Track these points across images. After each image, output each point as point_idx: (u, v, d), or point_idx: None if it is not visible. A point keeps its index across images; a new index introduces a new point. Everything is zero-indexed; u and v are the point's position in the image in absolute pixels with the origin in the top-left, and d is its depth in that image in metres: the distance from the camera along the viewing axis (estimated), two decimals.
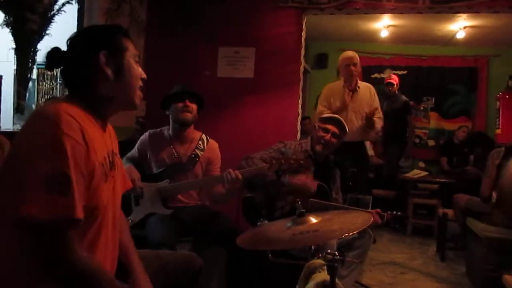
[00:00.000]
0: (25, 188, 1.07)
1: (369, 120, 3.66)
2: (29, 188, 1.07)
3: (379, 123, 3.80)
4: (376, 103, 3.88)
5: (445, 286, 3.38)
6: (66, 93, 1.34)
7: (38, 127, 1.15)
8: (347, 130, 2.76)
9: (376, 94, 3.93)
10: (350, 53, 3.86)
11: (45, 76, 4.84)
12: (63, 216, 1.09)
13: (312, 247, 1.28)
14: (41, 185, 1.07)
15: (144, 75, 1.38)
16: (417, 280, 3.51)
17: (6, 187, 1.13)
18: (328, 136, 2.64)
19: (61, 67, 1.32)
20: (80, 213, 1.12)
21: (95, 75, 1.28)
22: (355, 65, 3.78)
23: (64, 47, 1.34)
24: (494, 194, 3.38)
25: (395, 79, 5.47)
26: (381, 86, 6.04)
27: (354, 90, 3.82)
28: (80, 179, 1.14)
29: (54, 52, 1.32)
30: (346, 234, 1.15)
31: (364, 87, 3.91)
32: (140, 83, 1.36)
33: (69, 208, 1.09)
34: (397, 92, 5.45)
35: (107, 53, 1.28)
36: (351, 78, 3.78)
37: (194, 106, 2.55)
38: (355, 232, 1.17)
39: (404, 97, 5.48)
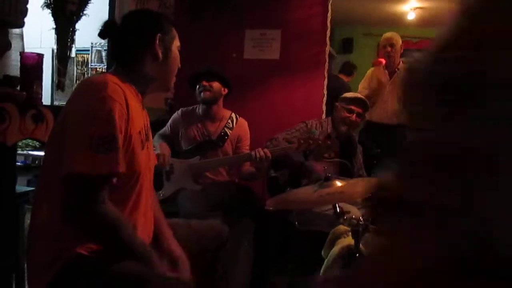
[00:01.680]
0: (76, 147, 1.18)
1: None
2: (79, 147, 1.18)
3: None
4: None
5: None
6: (113, 68, 1.45)
7: (86, 92, 1.27)
8: (369, 107, 2.82)
9: None
10: (388, 33, 3.82)
11: (76, 62, 5.03)
12: (108, 170, 1.19)
13: (337, 210, 1.35)
14: (90, 144, 1.18)
15: (179, 65, 1.50)
16: None
17: (58, 149, 1.24)
18: (353, 117, 2.69)
19: (113, 40, 1.44)
20: (123, 167, 1.22)
21: (145, 53, 1.40)
22: (392, 45, 3.73)
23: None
24: None
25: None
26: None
27: (393, 71, 3.80)
28: (122, 139, 1.25)
29: (110, 23, 1.44)
30: (370, 194, 1.21)
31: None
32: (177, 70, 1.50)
33: (113, 162, 1.20)
34: None
35: (161, 37, 1.40)
36: (388, 59, 3.77)
37: (214, 84, 2.62)
38: None
39: None
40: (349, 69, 5.24)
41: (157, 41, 1.40)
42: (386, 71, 3.82)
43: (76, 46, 4.66)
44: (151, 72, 1.42)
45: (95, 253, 1.27)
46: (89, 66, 4.86)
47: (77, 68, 4.90)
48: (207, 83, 2.61)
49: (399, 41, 3.76)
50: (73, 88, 1.42)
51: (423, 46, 6.48)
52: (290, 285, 2.76)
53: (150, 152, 1.50)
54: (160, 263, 1.34)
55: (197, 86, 2.64)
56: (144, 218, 1.45)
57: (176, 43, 1.49)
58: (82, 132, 1.20)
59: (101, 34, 1.43)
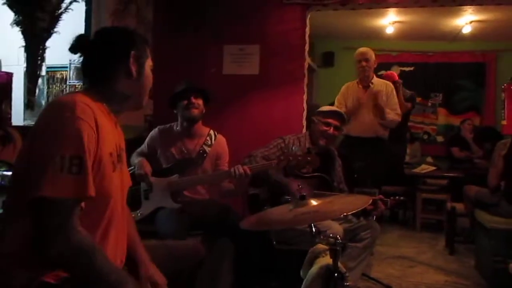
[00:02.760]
0: (42, 170, 1.13)
1: (377, 106, 3.66)
2: (46, 171, 1.12)
3: (391, 114, 3.78)
4: (393, 100, 3.84)
5: (453, 279, 3.38)
6: (84, 86, 1.42)
7: (54, 113, 1.22)
8: (346, 120, 2.83)
9: (394, 91, 3.90)
10: (363, 49, 3.87)
11: (55, 78, 4.96)
12: (77, 194, 1.14)
13: (313, 230, 1.32)
14: (57, 167, 1.13)
15: (151, 84, 1.49)
16: (425, 273, 3.52)
17: (24, 172, 1.18)
18: (331, 130, 2.68)
19: (85, 57, 1.39)
20: (92, 191, 1.17)
21: (118, 70, 1.37)
22: (366, 60, 3.78)
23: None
24: (502, 185, 3.39)
25: (394, 77, 5.38)
26: None
27: (367, 86, 3.83)
28: (91, 162, 1.20)
29: (82, 38, 1.40)
30: (346, 213, 1.18)
31: (380, 83, 3.90)
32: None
33: (82, 186, 1.15)
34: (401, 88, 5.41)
35: (135, 54, 1.38)
36: (363, 73, 3.80)
37: (200, 102, 2.60)
38: (355, 211, 1.20)
39: (408, 92, 5.45)
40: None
41: (131, 59, 1.37)
42: (361, 86, 3.85)
43: (54, 63, 4.61)
44: (124, 90, 1.39)
45: (63, 282, 1.20)
46: (68, 83, 4.80)
47: (55, 86, 4.84)
48: (195, 100, 2.57)
49: (373, 56, 3.81)
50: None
51: (401, 59, 6.65)
52: None
53: (123, 174, 1.45)
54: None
55: (183, 103, 2.58)
56: (116, 243, 1.39)
57: (149, 62, 1.46)
58: (50, 153, 1.15)
59: (72, 49, 1.39)
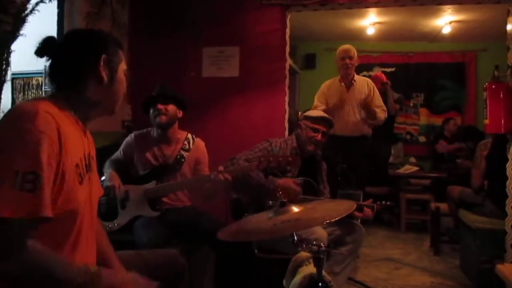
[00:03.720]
0: None
1: (368, 110, 3.63)
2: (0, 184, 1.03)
3: (381, 113, 3.76)
4: (376, 98, 3.81)
5: (439, 280, 3.36)
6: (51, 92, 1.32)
7: (13, 122, 1.12)
8: (333, 126, 2.77)
9: (375, 88, 3.86)
10: (346, 46, 3.82)
11: (30, 85, 4.82)
12: (30, 213, 1.05)
13: (295, 239, 1.25)
14: (10, 182, 1.04)
15: (125, 89, 1.41)
16: (412, 275, 3.49)
17: None
18: (319, 136, 2.63)
19: (52, 60, 1.30)
20: (47, 211, 1.08)
21: (88, 75, 1.29)
22: (350, 58, 3.73)
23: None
24: (485, 185, 3.38)
25: (382, 78, 5.38)
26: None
27: (350, 84, 3.79)
28: (51, 178, 1.11)
29: (49, 41, 1.31)
30: (328, 221, 1.12)
31: (362, 81, 3.86)
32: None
33: (36, 205, 1.06)
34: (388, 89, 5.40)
35: (106, 58, 1.30)
36: (346, 71, 3.76)
37: (170, 107, 2.50)
38: (337, 218, 1.13)
39: (396, 95, 5.45)
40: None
41: (102, 63, 1.29)
42: (343, 84, 3.80)
43: (29, 69, 4.47)
44: (94, 96, 1.30)
45: None
46: (43, 89, 4.66)
47: (30, 92, 4.70)
48: (162, 106, 2.49)
49: (355, 53, 3.78)
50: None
51: (383, 60, 6.65)
52: None
53: (93, 184, 1.36)
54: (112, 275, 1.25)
55: (152, 110, 2.51)
56: (86, 257, 1.31)
57: (123, 66, 1.37)
58: (3, 167, 1.05)
59: (39, 52, 1.30)
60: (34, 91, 4.62)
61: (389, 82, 5.08)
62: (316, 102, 3.80)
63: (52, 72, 1.32)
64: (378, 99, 3.83)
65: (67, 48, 1.30)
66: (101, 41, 1.33)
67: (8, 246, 1.05)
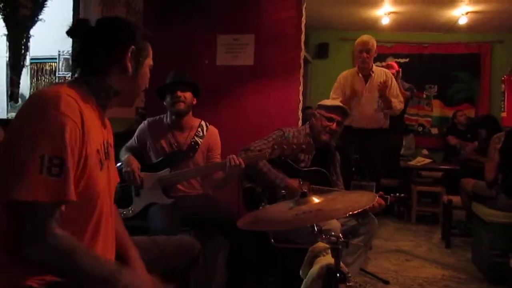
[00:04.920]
0: (21, 169, 1.05)
1: (385, 98, 3.58)
2: (24, 170, 1.04)
3: (397, 103, 3.71)
4: (394, 88, 3.75)
5: (450, 272, 3.35)
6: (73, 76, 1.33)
7: (37, 107, 1.13)
8: (348, 115, 2.75)
9: (393, 79, 3.81)
10: (365, 37, 3.74)
11: (44, 70, 4.83)
12: (55, 198, 1.06)
13: (315, 229, 1.24)
14: (36, 167, 1.05)
15: (147, 85, 1.41)
16: (422, 267, 3.48)
17: (2, 169, 1.09)
18: (334, 126, 2.61)
19: (81, 43, 1.31)
20: (72, 195, 1.09)
21: (113, 64, 1.29)
22: (368, 51, 3.66)
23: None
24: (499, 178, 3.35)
25: (394, 67, 5.33)
26: None
27: (367, 76, 3.74)
28: (75, 162, 1.12)
29: (82, 22, 1.32)
30: (350, 212, 1.11)
31: (379, 72, 3.80)
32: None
33: (61, 190, 1.07)
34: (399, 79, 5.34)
35: (134, 50, 1.30)
36: (363, 64, 3.71)
37: (187, 95, 2.50)
38: (360, 210, 1.13)
39: (407, 84, 5.40)
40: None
41: (129, 54, 1.29)
42: (361, 76, 3.76)
43: (43, 54, 4.47)
44: (116, 85, 1.30)
45: (48, 286, 1.13)
46: (57, 75, 4.67)
47: (43, 78, 4.71)
48: (181, 93, 2.48)
49: (374, 45, 3.71)
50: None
51: (396, 50, 6.57)
52: None
53: (111, 171, 1.37)
54: (133, 275, 1.23)
55: (169, 97, 2.49)
56: (105, 243, 1.32)
57: (149, 61, 1.38)
58: (29, 151, 1.06)
59: (70, 32, 1.31)
60: (47, 77, 4.63)
61: (399, 69, 5.04)
62: (332, 95, 3.75)
63: (79, 55, 1.32)
64: (395, 89, 3.78)
65: (98, 33, 1.30)
66: (132, 32, 1.32)
67: (34, 231, 1.06)
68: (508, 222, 3.04)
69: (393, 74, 5.03)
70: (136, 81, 1.34)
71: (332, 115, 2.61)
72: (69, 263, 1.10)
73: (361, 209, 1.13)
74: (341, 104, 2.71)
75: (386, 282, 3.07)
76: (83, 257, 1.12)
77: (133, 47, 1.29)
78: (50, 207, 1.07)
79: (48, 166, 1.05)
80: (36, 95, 1.21)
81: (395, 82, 3.84)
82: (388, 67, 5.25)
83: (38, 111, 1.11)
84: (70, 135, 1.09)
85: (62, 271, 1.12)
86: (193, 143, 2.56)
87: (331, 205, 1.21)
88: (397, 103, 3.73)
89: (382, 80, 3.63)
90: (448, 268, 3.44)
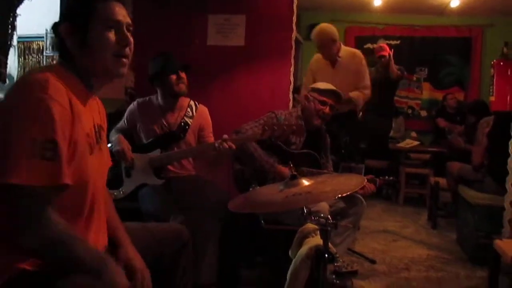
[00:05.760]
0: (12, 154, 1.04)
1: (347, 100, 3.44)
2: (16, 154, 1.04)
3: (358, 96, 3.56)
4: (363, 72, 3.62)
5: (435, 253, 3.43)
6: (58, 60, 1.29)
7: (25, 92, 1.11)
8: (342, 98, 2.75)
9: (364, 63, 3.66)
10: (319, 30, 3.53)
11: (31, 49, 4.73)
12: (51, 181, 1.06)
13: (304, 211, 1.26)
14: (28, 151, 1.04)
15: (125, 41, 1.25)
16: (408, 247, 3.56)
17: None
18: (327, 109, 2.61)
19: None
20: (67, 178, 1.09)
21: (76, 42, 1.21)
22: (323, 47, 3.53)
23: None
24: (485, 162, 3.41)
25: (386, 50, 5.32)
26: (375, 57, 5.96)
27: (334, 60, 3.66)
28: (65, 146, 1.11)
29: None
30: (340, 195, 1.13)
31: (348, 55, 3.64)
32: (115, 50, 1.23)
33: (56, 173, 1.07)
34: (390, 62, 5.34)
35: (69, 25, 1.21)
36: (329, 53, 3.58)
37: (185, 76, 2.50)
38: (348, 192, 1.15)
39: (396, 67, 5.42)
40: None
41: (64, 31, 1.21)
42: (328, 61, 3.66)
43: (30, 33, 4.38)
44: (82, 64, 1.23)
45: (41, 268, 1.13)
46: (44, 54, 4.59)
47: (31, 57, 4.63)
48: (184, 75, 2.48)
49: (329, 36, 3.52)
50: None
51: (387, 33, 6.55)
52: (259, 278, 2.71)
53: (103, 154, 1.35)
54: (120, 272, 1.20)
55: (173, 77, 2.45)
56: (98, 228, 1.33)
57: (100, 21, 1.22)
58: (20, 136, 1.05)
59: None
60: (35, 56, 4.55)
61: (391, 52, 5.04)
62: (305, 80, 3.66)
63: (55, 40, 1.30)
64: (365, 76, 3.64)
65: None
66: (67, 8, 1.25)
67: (31, 217, 1.06)
68: (493, 205, 3.10)
69: (385, 56, 5.10)
70: (91, 52, 1.22)
71: (325, 99, 2.61)
72: (63, 253, 1.10)
73: (349, 192, 1.15)
74: (334, 88, 2.70)
75: (373, 262, 3.14)
76: (79, 247, 1.12)
77: (66, 23, 1.21)
78: (46, 191, 1.07)
79: (43, 150, 1.05)
80: (25, 80, 1.18)
81: (365, 64, 3.67)
82: (381, 49, 5.27)
83: (26, 95, 1.10)
84: (59, 118, 1.08)
85: (55, 257, 1.12)
86: (183, 123, 2.55)
87: (320, 187, 1.23)
88: (360, 96, 3.57)
89: (352, 75, 3.49)
90: (434, 249, 3.52)
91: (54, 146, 1.06)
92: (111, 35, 1.22)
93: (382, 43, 5.55)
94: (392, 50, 4.95)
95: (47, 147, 1.05)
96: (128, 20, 1.27)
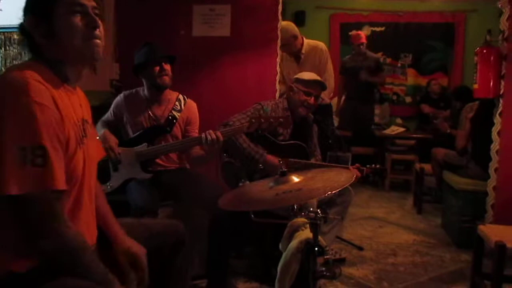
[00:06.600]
0: (2, 164, 1.03)
1: None
2: (4, 164, 1.02)
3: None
4: (324, 64, 3.63)
5: (421, 237, 3.50)
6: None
7: (6, 97, 1.08)
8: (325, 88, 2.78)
9: (328, 56, 3.70)
10: (280, 31, 3.37)
11: (12, 40, 4.62)
12: (44, 187, 1.06)
13: (295, 206, 1.28)
14: (17, 159, 1.03)
15: (93, 24, 1.21)
16: (395, 232, 3.62)
17: None
18: (311, 100, 2.63)
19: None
20: (62, 183, 1.09)
21: (40, 34, 1.19)
22: (284, 46, 3.47)
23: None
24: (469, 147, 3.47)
25: (364, 37, 5.41)
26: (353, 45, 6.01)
27: (298, 56, 3.69)
28: (57, 148, 1.10)
29: None
30: (330, 192, 1.14)
31: (310, 49, 3.67)
32: (85, 35, 1.20)
33: (49, 179, 1.06)
34: (366, 49, 5.43)
35: (33, 18, 1.19)
36: (294, 49, 3.60)
37: (169, 67, 2.47)
38: (338, 189, 1.16)
39: (374, 54, 5.52)
40: None
41: (29, 25, 1.18)
42: (293, 58, 3.69)
43: (11, 23, 4.27)
44: (53, 55, 1.20)
45: (30, 270, 1.14)
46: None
47: (12, 48, 4.53)
48: (168, 66, 2.45)
49: (290, 34, 3.54)
50: None
51: (372, 19, 6.56)
52: (250, 267, 2.74)
53: (90, 148, 1.34)
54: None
55: (156, 69, 2.42)
56: (87, 224, 1.32)
57: (63, 7, 1.18)
58: (6, 144, 1.03)
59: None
60: (16, 46, 4.45)
61: (365, 42, 5.30)
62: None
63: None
64: (327, 67, 3.66)
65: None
66: (29, 2, 1.22)
67: (50, 221, 1.08)
68: (477, 190, 3.17)
69: (363, 43, 5.21)
70: (60, 40, 1.18)
71: (309, 90, 2.62)
72: (73, 260, 1.12)
73: (340, 188, 1.16)
74: (318, 78, 2.71)
75: (361, 249, 3.19)
76: (88, 258, 1.14)
77: (29, 16, 1.19)
78: (51, 194, 1.08)
79: (32, 157, 1.04)
80: (3, 83, 1.14)
81: (327, 58, 3.69)
82: (359, 37, 5.32)
83: (8, 101, 1.07)
84: (46, 122, 1.07)
85: (63, 264, 1.13)
86: (170, 117, 2.54)
87: (310, 184, 1.24)
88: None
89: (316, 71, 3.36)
90: (419, 234, 3.59)
91: (42, 152, 1.05)
92: (78, 20, 1.19)
93: (358, 32, 5.60)
94: (366, 42, 5.11)
95: (38, 153, 1.04)
96: (93, 3, 1.24)
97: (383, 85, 6.09)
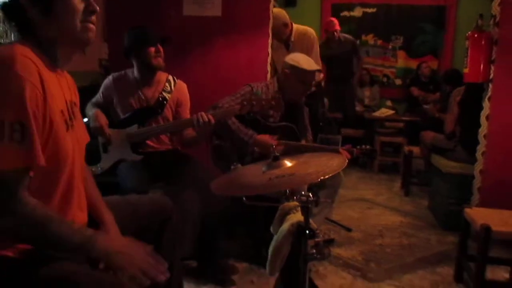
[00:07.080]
0: None
1: None
2: None
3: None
4: (310, 48, 3.61)
5: (408, 219, 3.56)
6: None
7: None
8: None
9: (316, 42, 3.69)
10: (277, 14, 3.44)
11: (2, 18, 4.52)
12: (21, 164, 1.04)
13: (287, 191, 1.29)
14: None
15: (92, 8, 1.21)
16: (382, 214, 3.68)
17: None
18: (310, 87, 2.66)
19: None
20: (40, 160, 1.07)
21: (35, 12, 1.16)
22: (277, 32, 3.47)
23: None
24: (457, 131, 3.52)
25: (337, 24, 5.39)
26: (351, 25, 5.96)
27: (287, 43, 3.67)
28: (39, 125, 1.08)
29: None
30: (323, 177, 1.15)
31: (299, 35, 3.65)
32: (81, 17, 1.19)
33: (27, 155, 1.04)
34: (340, 34, 5.43)
35: None
36: (284, 37, 3.59)
37: (162, 49, 2.44)
38: (331, 174, 1.17)
39: (350, 38, 5.51)
40: None
41: (25, 1, 1.15)
42: (283, 45, 3.67)
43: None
44: (46, 34, 1.18)
45: (23, 255, 1.13)
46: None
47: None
48: (162, 48, 2.42)
49: (281, 22, 3.52)
50: None
51: (364, 0, 6.49)
52: (240, 247, 2.77)
53: (79, 130, 1.32)
54: (108, 240, 1.23)
55: (152, 50, 2.39)
56: (78, 206, 1.31)
57: None
58: None
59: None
60: (1, 25, 4.33)
61: (339, 29, 5.37)
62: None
63: (8, 19, 1.19)
64: (315, 50, 3.66)
65: None
66: None
67: (5, 201, 1.04)
68: (464, 173, 3.22)
69: (337, 30, 5.19)
70: (57, 19, 1.17)
71: (309, 80, 2.63)
72: (42, 232, 1.09)
73: (332, 174, 1.17)
74: (316, 67, 2.67)
75: (349, 230, 3.24)
76: (57, 225, 1.11)
77: None
78: (17, 174, 1.05)
79: (10, 132, 1.01)
80: None
81: (315, 44, 3.69)
82: (333, 24, 5.30)
83: None
84: (30, 97, 1.05)
85: (36, 240, 1.12)
86: (160, 98, 2.51)
87: (303, 169, 1.25)
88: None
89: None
90: (406, 216, 3.65)
91: (23, 128, 1.03)
92: (78, 2, 1.19)
93: (330, 19, 5.57)
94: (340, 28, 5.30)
95: (16, 129, 1.02)
96: None
97: (364, 68, 6.10)
